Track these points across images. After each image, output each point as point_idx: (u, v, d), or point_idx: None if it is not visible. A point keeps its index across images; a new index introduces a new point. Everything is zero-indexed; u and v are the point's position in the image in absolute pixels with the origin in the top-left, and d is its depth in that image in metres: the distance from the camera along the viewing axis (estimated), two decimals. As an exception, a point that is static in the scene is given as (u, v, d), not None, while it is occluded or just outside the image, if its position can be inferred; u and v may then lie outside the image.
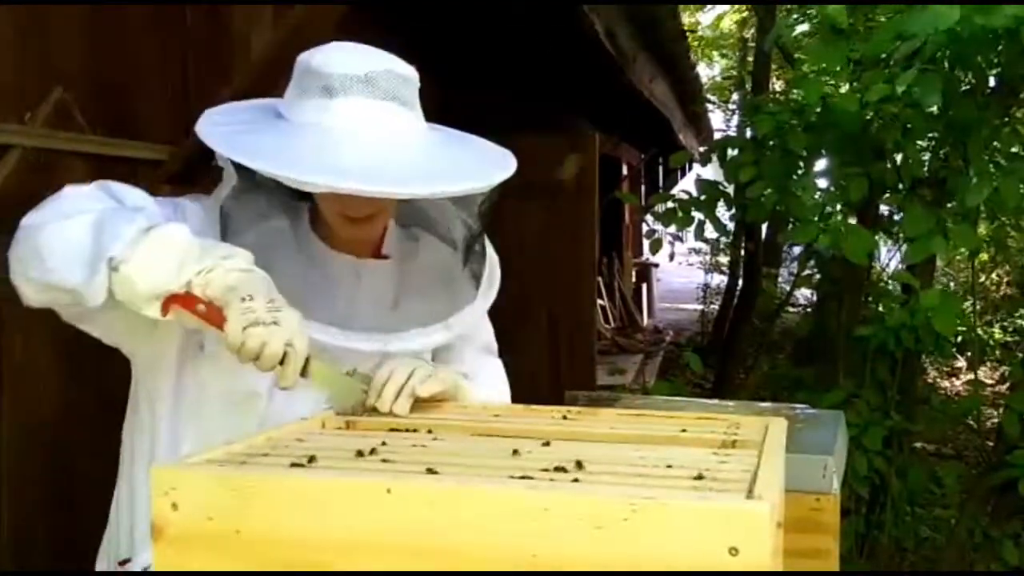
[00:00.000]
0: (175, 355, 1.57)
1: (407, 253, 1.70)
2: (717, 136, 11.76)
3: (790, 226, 3.99)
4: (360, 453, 1.10)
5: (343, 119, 1.47)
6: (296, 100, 1.54)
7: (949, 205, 3.72)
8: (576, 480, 1.00)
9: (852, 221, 3.84)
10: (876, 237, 3.99)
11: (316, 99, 1.50)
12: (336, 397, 1.40)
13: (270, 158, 1.43)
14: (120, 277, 1.33)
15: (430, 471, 1.01)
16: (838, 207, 3.82)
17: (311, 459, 1.06)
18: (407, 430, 1.27)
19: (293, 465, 1.04)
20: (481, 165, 1.54)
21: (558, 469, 1.03)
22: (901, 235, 3.75)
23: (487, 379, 1.73)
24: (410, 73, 1.54)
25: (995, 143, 3.58)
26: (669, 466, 1.06)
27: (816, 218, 3.69)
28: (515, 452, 1.12)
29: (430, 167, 1.49)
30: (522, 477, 1.00)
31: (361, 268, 1.63)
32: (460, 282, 1.67)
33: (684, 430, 1.27)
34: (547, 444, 1.18)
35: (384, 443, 1.16)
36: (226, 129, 1.53)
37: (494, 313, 1.76)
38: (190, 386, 1.56)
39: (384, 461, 1.07)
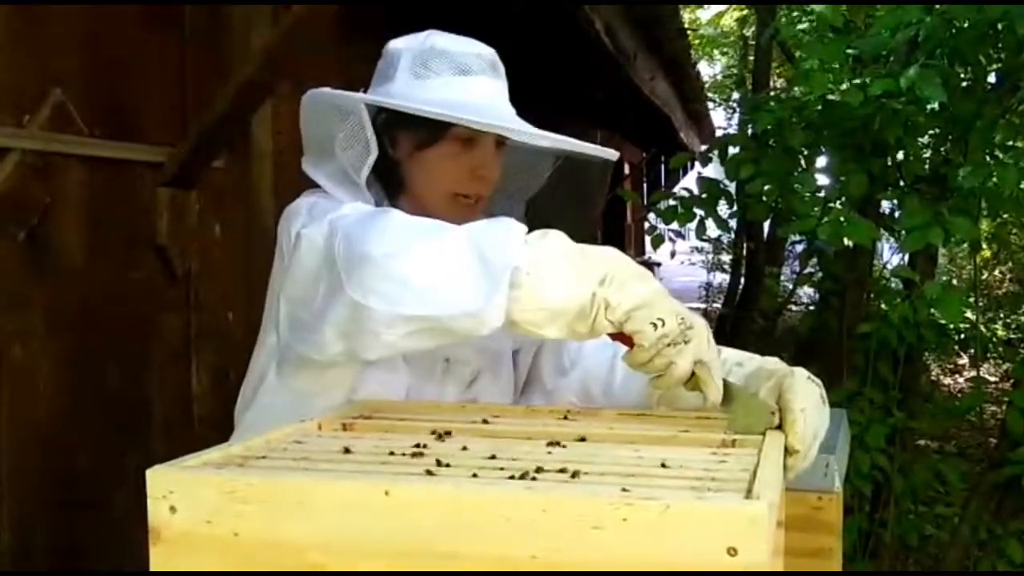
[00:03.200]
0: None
1: None
2: (719, 134, 11.75)
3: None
4: (346, 450, 1.10)
5: (482, 95, 1.52)
6: (417, 81, 1.54)
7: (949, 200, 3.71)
8: (575, 480, 1.00)
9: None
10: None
11: (449, 77, 1.52)
12: (742, 417, 1.27)
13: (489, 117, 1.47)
14: (523, 297, 1.18)
15: (428, 473, 1.01)
16: (838, 203, 3.82)
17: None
18: (406, 432, 1.27)
19: (306, 469, 1.04)
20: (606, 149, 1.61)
21: (557, 470, 1.03)
22: (902, 232, 3.74)
23: None
24: None
25: (995, 138, 3.58)
26: (668, 466, 1.05)
27: (816, 211, 3.69)
28: (514, 452, 1.11)
29: (579, 143, 1.55)
30: (521, 478, 0.99)
31: None
32: None
33: (684, 430, 1.27)
34: (546, 444, 1.18)
35: (385, 447, 1.16)
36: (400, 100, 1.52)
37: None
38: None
39: (384, 463, 1.07)
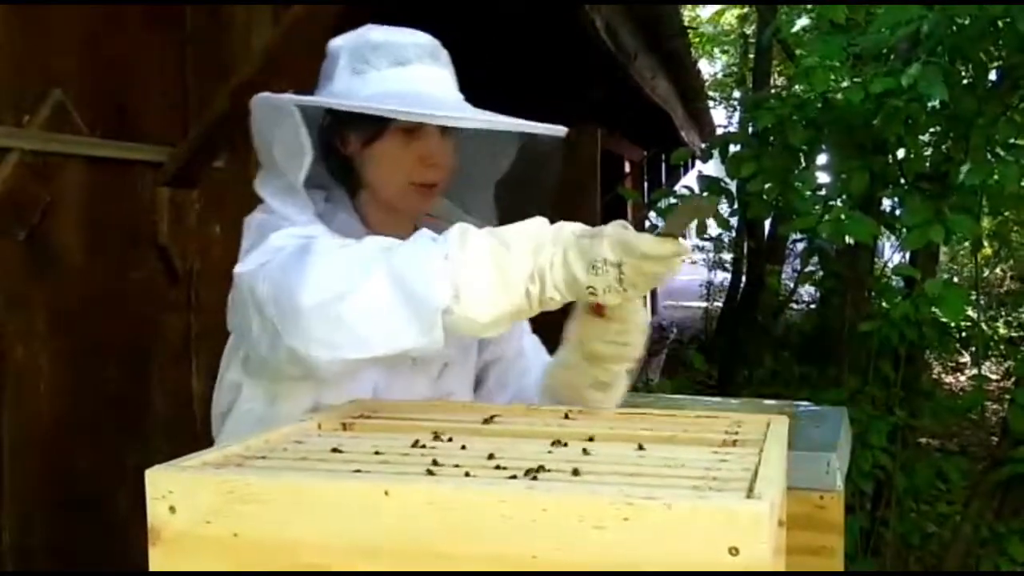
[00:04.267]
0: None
1: None
2: (719, 132, 11.73)
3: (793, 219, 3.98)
4: (345, 450, 1.10)
5: (421, 84, 1.52)
6: (356, 76, 1.54)
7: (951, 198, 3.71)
8: (576, 480, 0.99)
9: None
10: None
11: (387, 70, 1.52)
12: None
13: (427, 106, 1.45)
14: (457, 320, 1.24)
15: (428, 473, 1.01)
16: (839, 201, 3.82)
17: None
18: (406, 432, 1.26)
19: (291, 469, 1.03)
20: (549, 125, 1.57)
21: (558, 469, 1.02)
22: (903, 230, 3.74)
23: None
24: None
25: (996, 135, 3.57)
26: (669, 465, 1.05)
27: (817, 208, 3.69)
28: (515, 452, 1.11)
29: (520, 121, 1.52)
30: (522, 477, 0.99)
31: None
32: None
33: (685, 429, 1.27)
34: (547, 444, 1.17)
35: (378, 450, 1.16)
36: (330, 98, 1.52)
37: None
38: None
39: (384, 463, 1.07)
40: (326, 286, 1.27)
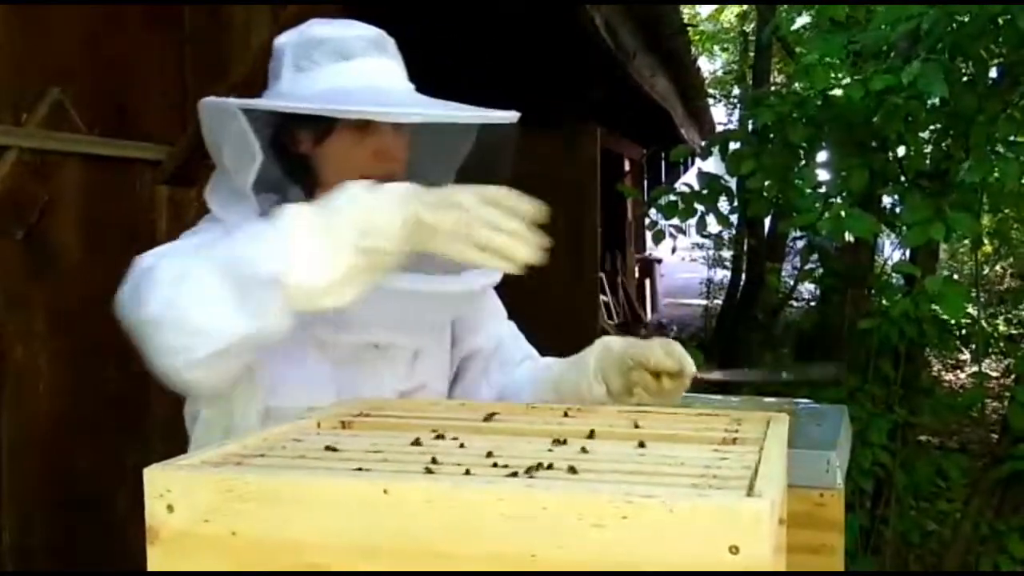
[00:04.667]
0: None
1: None
2: (719, 130, 11.73)
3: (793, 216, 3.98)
4: (344, 449, 1.10)
5: (368, 77, 1.50)
6: (302, 74, 1.52)
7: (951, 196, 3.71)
8: (575, 478, 0.99)
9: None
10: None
11: (332, 65, 1.50)
12: None
13: (372, 103, 1.44)
14: (293, 292, 1.22)
15: (427, 471, 1.00)
16: (839, 199, 3.81)
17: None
18: (405, 430, 1.26)
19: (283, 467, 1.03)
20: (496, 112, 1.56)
21: (557, 467, 1.02)
22: (903, 227, 3.73)
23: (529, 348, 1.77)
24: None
25: (995, 133, 3.57)
26: (669, 463, 1.05)
27: (817, 205, 3.69)
28: (514, 450, 1.10)
29: (467, 110, 1.50)
30: (522, 475, 0.99)
31: None
32: None
33: (685, 427, 1.26)
34: (547, 441, 1.17)
35: (377, 447, 1.15)
36: (279, 99, 1.51)
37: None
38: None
39: (383, 461, 1.06)
40: (163, 293, 1.26)
